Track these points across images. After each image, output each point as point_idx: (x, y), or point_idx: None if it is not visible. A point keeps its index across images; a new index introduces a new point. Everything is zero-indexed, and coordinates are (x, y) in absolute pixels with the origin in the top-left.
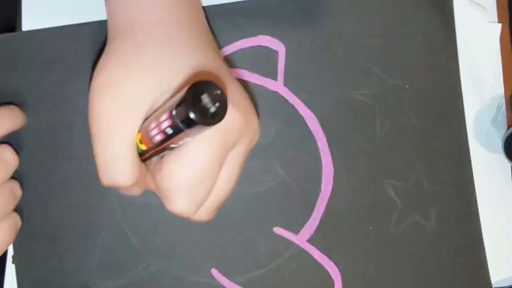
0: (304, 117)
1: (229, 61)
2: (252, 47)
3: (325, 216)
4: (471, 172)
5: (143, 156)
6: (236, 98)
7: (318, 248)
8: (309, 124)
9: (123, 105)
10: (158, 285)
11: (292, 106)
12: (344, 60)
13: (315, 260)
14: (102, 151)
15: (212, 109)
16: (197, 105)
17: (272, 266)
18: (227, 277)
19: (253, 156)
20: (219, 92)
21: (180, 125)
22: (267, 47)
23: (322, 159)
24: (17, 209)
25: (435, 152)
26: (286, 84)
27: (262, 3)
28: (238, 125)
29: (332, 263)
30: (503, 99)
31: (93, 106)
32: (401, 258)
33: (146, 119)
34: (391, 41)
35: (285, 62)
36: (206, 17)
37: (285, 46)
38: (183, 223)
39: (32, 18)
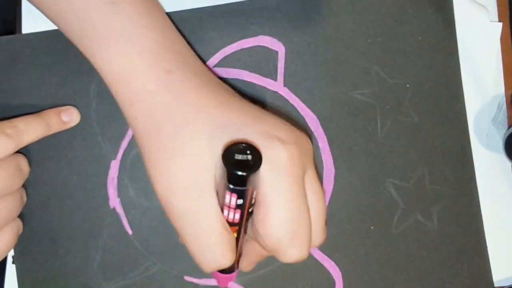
0: (305, 117)
1: (229, 61)
2: (252, 47)
3: (326, 215)
4: (473, 171)
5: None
6: (274, 129)
7: (319, 248)
8: (309, 124)
9: (193, 186)
10: (159, 287)
11: (293, 106)
12: (344, 59)
13: (316, 260)
14: (196, 243)
15: (249, 157)
16: (236, 164)
17: (274, 266)
18: None
19: None
20: (243, 144)
21: (240, 188)
22: (266, 47)
23: (323, 159)
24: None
25: (437, 151)
26: (286, 84)
27: (261, 4)
28: (290, 152)
29: (333, 263)
30: (504, 98)
31: (171, 204)
32: (403, 258)
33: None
34: (391, 40)
35: (285, 62)
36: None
37: (285, 46)
38: None
39: (32, 21)
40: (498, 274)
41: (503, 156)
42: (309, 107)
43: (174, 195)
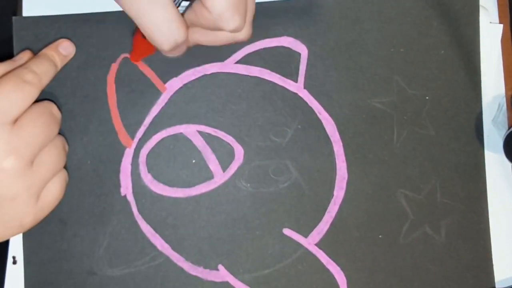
0: (322, 121)
1: (252, 59)
2: (275, 47)
3: (335, 221)
4: (485, 188)
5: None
6: None
7: (326, 252)
8: (326, 128)
9: None
10: (163, 277)
11: (311, 108)
12: (365, 66)
13: (322, 264)
14: (154, 20)
15: None
16: None
17: (279, 267)
18: (233, 274)
19: (268, 155)
20: None
21: None
22: (289, 49)
23: (337, 164)
24: None
25: (450, 165)
26: (306, 86)
27: (288, 5)
28: None
29: (338, 268)
30: (504, 99)
31: None
32: (409, 269)
33: None
34: (414, 51)
35: (307, 64)
36: None
37: (308, 48)
38: (194, 217)
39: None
40: (498, 275)
41: (503, 156)
42: (327, 111)
43: None
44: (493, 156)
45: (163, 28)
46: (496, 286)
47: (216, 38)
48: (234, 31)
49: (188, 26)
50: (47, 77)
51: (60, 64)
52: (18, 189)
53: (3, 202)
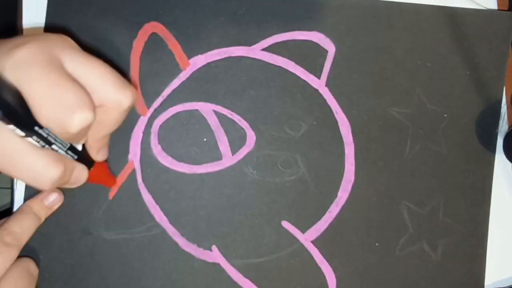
0: (338, 121)
1: (278, 49)
2: (304, 41)
3: (335, 222)
4: (488, 214)
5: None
6: (20, 40)
7: (320, 251)
8: (341, 129)
9: None
10: (156, 248)
11: (329, 107)
12: (389, 74)
13: (315, 262)
14: (19, 172)
15: None
16: None
17: (272, 258)
18: (225, 257)
19: (280, 146)
20: None
21: None
22: (318, 44)
23: (346, 166)
24: None
25: (457, 186)
26: (328, 84)
27: (323, 1)
28: (29, 49)
29: (330, 268)
30: (505, 107)
31: None
32: (400, 281)
33: None
34: (440, 67)
35: (332, 63)
36: (268, 2)
37: (336, 47)
38: (196, 194)
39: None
40: (496, 275)
41: (503, 156)
42: (344, 112)
43: None
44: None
45: (32, 175)
46: (495, 286)
47: (115, 121)
48: (134, 101)
49: (57, 155)
50: (27, 235)
51: (44, 216)
52: None
53: None
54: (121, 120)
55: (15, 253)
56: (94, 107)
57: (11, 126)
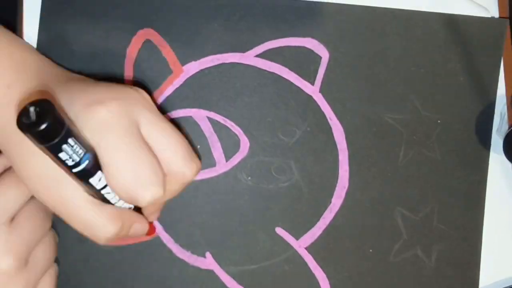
0: (332, 127)
1: (273, 55)
2: (298, 47)
3: (328, 228)
4: (482, 220)
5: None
6: (95, 94)
7: (314, 257)
8: (335, 135)
9: (54, 180)
10: (150, 255)
11: (323, 113)
12: (383, 81)
13: (309, 269)
14: (79, 225)
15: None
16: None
17: (266, 264)
18: (219, 263)
19: (273, 152)
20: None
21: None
22: (312, 51)
23: (340, 172)
24: None
25: (451, 192)
26: (321, 90)
27: (318, 8)
28: (108, 109)
29: (324, 275)
30: (505, 108)
31: (43, 200)
32: (394, 287)
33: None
34: (434, 74)
35: (326, 69)
36: (262, 8)
37: (330, 53)
38: (190, 201)
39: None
40: (496, 275)
41: (503, 156)
42: (338, 118)
43: (41, 192)
44: (492, 156)
45: (86, 231)
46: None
47: (177, 190)
48: (197, 173)
49: (118, 214)
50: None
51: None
52: None
53: None
54: (180, 191)
55: (26, 195)
56: (165, 183)
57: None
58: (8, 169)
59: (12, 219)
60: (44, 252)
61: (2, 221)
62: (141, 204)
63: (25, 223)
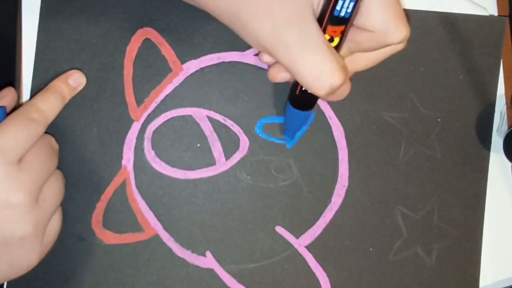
0: (332, 126)
1: None
2: None
3: (329, 227)
4: (482, 218)
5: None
6: None
7: (314, 256)
8: (334, 134)
9: (295, 18)
10: (150, 254)
11: (322, 112)
12: (383, 79)
13: (309, 267)
14: (307, 65)
15: None
16: None
17: (266, 263)
18: (219, 262)
19: (273, 151)
20: None
21: None
22: None
23: (339, 171)
24: None
25: (451, 190)
26: None
27: None
28: None
29: (325, 274)
30: (505, 108)
31: (279, 38)
32: (394, 286)
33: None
34: (433, 72)
35: None
36: None
37: None
38: (190, 200)
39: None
40: (496, 275)
41: (503, 156)
42: (338, 117)
43: (280, 29)
44: (493, 156)
45: (316, 73)
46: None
47: (377, 56)
48: (402, 40)
49: (344, 64)
50: (53, 113)
51: (69, 96)
52: (26, 227)
53: (12, 242)
54: (376, 60)
55: (41, 129)
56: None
57: None
58: (15, 110)
59: (21, 158)
60: (53, 190)
61: (12, 161)
62: (392, 39)
63: (34, 161)
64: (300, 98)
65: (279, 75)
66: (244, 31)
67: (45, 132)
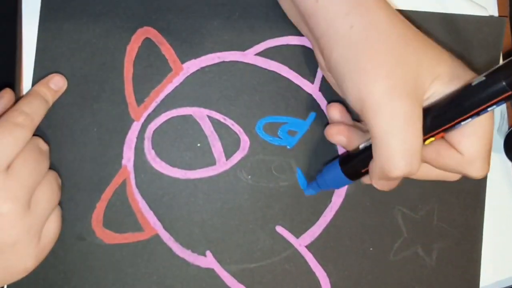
0: None
1: (272, 53)
2: (298, 46)
3: (329, 227)
4: (482, 219)
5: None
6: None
7: (314, 256)
8: None
9: (411, 94)
10: (150, 254)
11: (323, 112)
12: None
13: (309, 267)
14: (401, 145)
15: None
16: None
17: (266, 263)
18: (220, 262)
19: (274, 151)
20: None
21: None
22: (311, 49)
23: None
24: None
25: (452, 190)
26: (321, 89)
27: None
28: None
29: (325, 273)
30: (505, 107)
31: (391, 106)
32: (394, 286)
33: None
34: None
35: None
36: (261, 7)
37: None
38: (190, 200)
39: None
40: (496, 275)
41: (503, 156)
42: None
43: (394, 95)
44: (493, 156)
45: (405, 156)
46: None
47: (446, 175)
48: (480, 177)
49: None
50: (39, 116)
51: (51, 100)
52: (18, 234)
53: (5, 248)
54: (435, 177)
55: (28, 133)
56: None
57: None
58: (0, 118)
59: (9, 165)
60: (46, 193)
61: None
62: (471, 175)
63: (22, 167)
64: (357, 169)
65: (337, 137)
66: (352, 78)
67: (37, 134)
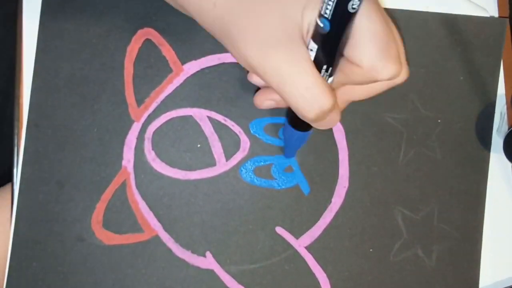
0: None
1: None
2: None
3: (329, 227)
4: (482, 220)
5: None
6: None
7: (314, 257)
8: (335, 135)
9: (284, 39)
10: (150, 255)
11: None
12: None
13: (309, 268)
14: (295, 89)
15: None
16: None
17: (266, 264)
18: (219, 263)
19: (273, 152)
20: None
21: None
22: None
23: (340, 172)
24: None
25: (452, 191)
26: None
27: None
28: None
29: (325, 274)
30: (505, 108)
31: (267, 59)
32: (394, 287)
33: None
34: (433, 73)
35: None
36: None
37: None
38: (190, 201)
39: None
40: (496, 275)
41: (502, 156)
42: None
43: (269, 50)
44: (493, 156)
45: (306, 95)
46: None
47: (372, 89)
48: (391, 78)
49: (334, 90)
50: None
51: None
52: None
53: None
54: (370, 93)
55: None
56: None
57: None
58: None
59: None
60: None
61: None
62: (380, 76)
63: None
64: (299, 119)
65: (265, 103)
66: (233, 48)
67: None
